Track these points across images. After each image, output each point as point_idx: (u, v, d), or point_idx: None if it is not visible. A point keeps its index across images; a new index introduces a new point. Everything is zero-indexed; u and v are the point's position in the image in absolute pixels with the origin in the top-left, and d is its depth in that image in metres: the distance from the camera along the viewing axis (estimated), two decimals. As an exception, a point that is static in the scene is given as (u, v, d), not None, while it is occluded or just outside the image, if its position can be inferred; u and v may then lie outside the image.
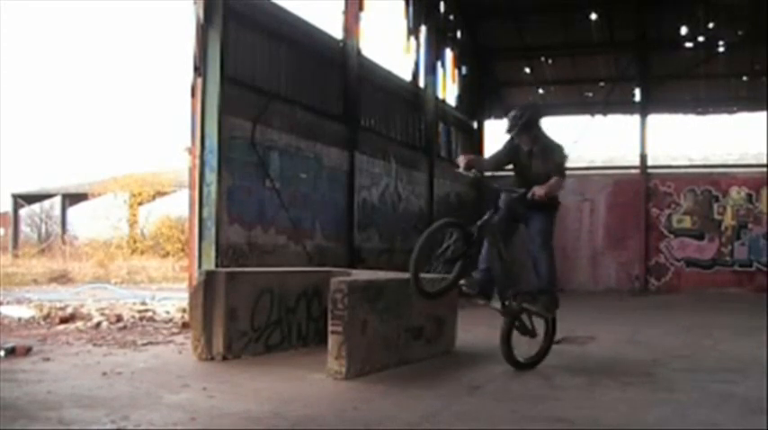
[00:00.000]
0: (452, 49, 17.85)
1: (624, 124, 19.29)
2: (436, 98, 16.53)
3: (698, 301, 14.73)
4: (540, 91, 20.11)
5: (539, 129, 6.35)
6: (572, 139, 18.22)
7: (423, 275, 5.84)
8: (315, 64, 11.68)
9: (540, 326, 6.39)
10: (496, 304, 6.19)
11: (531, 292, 6.26)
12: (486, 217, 6.09)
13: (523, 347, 6.28)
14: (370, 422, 4.43)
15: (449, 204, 16.52)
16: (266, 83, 10.34)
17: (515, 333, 6.26)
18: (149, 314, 9.84)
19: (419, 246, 5.71)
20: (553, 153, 6.31)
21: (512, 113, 6.41)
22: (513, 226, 6.34)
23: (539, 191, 5.95)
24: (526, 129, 6.24)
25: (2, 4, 43.42)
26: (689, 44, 18.12)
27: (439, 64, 16.81)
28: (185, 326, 8.19)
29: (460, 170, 6.23)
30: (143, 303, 11.32)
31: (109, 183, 31.28)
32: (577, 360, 6.93)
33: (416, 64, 15.55)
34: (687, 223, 18.18)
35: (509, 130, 6.31)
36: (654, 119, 18.74)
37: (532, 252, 6.30)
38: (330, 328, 5.74)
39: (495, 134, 18.93)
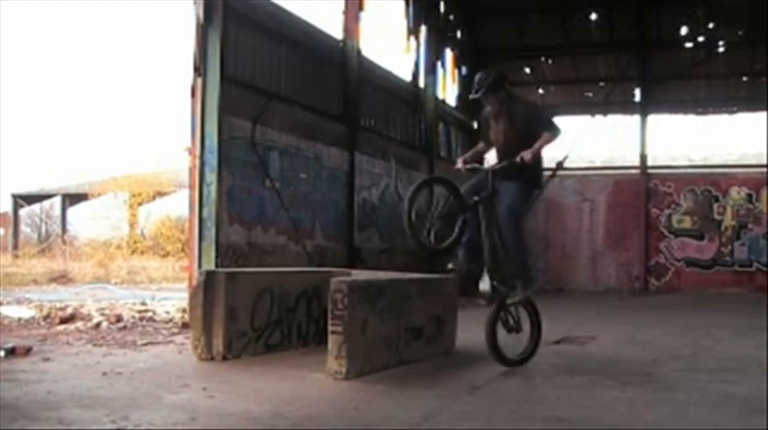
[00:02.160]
0: (452, 49, 17.86)
1: (624, 124, 19.33)
2: (436, 98, 16.53)
3: (698, 301, 14.73)
4: (540, 91, 20.12)
5: (506, 90, 6.08)
6: (572, 139, 18.28)
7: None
8: (315, 64, 11.69)
9: (525, 320, 6.26)
10: (485, 286, 5.98)
11: (509, 279, 5.99)
12: (483, 194, 5.92)
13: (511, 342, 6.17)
14: (370, 422, 4.43)
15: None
16: (266, 83, 10.34)
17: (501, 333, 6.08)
18: (149, 314, 9.84)
19: (409, 199, 5.51)
20: (529, 110, 6.08)
21: (477, 77, 6.14)
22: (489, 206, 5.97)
23: (526, 154, 5.67)
24: (493, 90, 5.98)
25: (2, 4, 43.41)
26: (689, 44, 18.14)
27: (439, 64, 16.82)
28: (185, 326, 8.18)
29: (459, 167, 6.14)
30: (143, 303, 11.31)
31: (109, 183, 31.29)
32: (577, 360, 6.93)
33: (416, 64, 15.55)
34: (687, 223, 18.18)
35: (475, 92, 6.03)
36: (654, 119, 18.76)
37: (500, 231, 5.93)
38: (330, 328, 5.73)
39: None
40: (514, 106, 6.12)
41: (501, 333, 6.07)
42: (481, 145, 6.55)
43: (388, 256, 13.23)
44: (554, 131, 5.99)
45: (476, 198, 5.89)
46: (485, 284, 6.03)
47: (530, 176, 6.11)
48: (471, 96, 6.14)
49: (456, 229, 5.85)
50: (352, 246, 12.34)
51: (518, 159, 5.79)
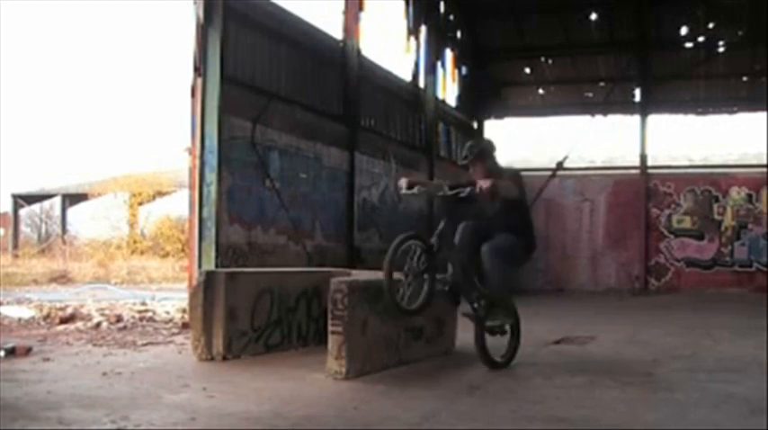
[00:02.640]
0: (452, 49, 17.86)
1: (624, 124, 19.31)
2: (436, 98, 16.54)
3: (698, 301, 14.72)
4: (540, 91, 20.13)
5: (493, 161, 6.43)
6: (572, 139, 18.30)
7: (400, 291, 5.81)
8: (315, 64, 11.69)
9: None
10: (467, 308, 6.19)
11: (488, 298, 6.18)
12: (441, 226, 6.11)
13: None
14: (370, 422, 4.43)
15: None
16: (266, 83, 10.35)
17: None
18: (149, 314, 9.84)
19: (387, 272, 5.62)
20: (511, 173, 6.46)
21: (467, 144, 6.58)
22: (478, 243, 6.25)
23: (484, 182, 5.91)
24: (481, 158, 6.33)
25: (2, 4, 43.41)
26: (689, 44, 18.14)
27: (439, 64, 16.82)
28: (185, 326, 8.19)
29: (403, 191, 6.29)
30: (143, 303, 11.32)
31: (109, 183, 31.29)
32: (577, 360, 6.93)
33: (416, 64, 15.56)
34: (687, 223, 18.19)
35: (464, 159, 6.38)
36: (654, 119, 18.75)
37: (483, 256, 6.17)
38: (330, 328, 5.73)
39: (495, 134, 18.94)
40: (499, 171, 6.40)
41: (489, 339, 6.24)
42: (437, 181, 6.72)
43: (388, 256, 13.21)
44: (515, 184, 6.23)
45: (437, 233, 6.06)
46: (465, 307, 6.19)
47: (526, 240, 6.38)
48: (460, 163, 6.51)
49: (426, 288, 5.94)
50: (352, 246, 12.34)
51: (477, 188, 5.94)
